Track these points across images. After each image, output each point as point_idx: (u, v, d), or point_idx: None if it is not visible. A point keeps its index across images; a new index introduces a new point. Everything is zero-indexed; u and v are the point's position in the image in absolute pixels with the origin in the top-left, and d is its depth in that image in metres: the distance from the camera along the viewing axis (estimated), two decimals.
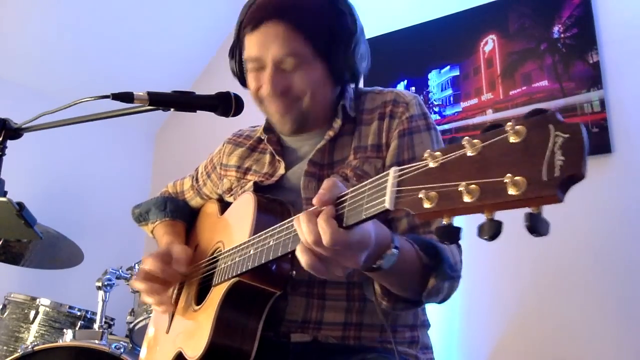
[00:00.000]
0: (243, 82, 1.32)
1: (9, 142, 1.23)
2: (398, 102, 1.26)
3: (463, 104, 2.70)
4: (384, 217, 1.18)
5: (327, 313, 1.19)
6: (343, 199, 0.84)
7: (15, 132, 1.23)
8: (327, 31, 1.20)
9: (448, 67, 2.78)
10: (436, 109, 2.78)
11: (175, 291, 1.37)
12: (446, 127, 2.71)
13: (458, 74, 2.75)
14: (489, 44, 2.69)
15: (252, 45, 1.20)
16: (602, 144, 2.30)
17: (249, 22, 1.20)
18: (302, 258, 0.87)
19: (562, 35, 2.50)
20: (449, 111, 2.74)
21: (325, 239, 0.82)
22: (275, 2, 1.19)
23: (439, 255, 1.02)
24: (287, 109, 1.24)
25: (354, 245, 0.84)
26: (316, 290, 1.19)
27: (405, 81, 2.89)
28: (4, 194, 1.20)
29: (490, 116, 2.60)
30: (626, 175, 2.25)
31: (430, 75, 2.83)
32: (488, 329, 2.44)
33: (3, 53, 3.03)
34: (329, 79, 1.24)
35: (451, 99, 2.74)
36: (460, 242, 1.13)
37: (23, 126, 1.24)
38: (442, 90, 2.78)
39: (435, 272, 1.01)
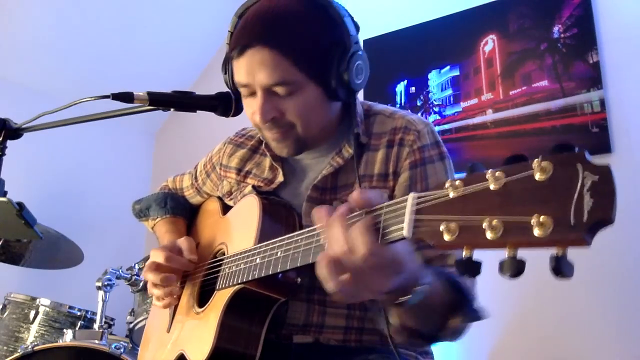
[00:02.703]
0: (238, 95, 1.25)
1: (9, 142, 1.23)
2: (409, 129, 1.20)
3: (463, 104, 2.70)
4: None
5: (329, 318, 1.19)
6: (357, 219, 0.78)
7: (15, 132, 1.23)
8: (317, 50, 1.12)
9: (448, 67, 2.78)
10: (436, 109, 2.78)
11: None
12: (446, 127, 2.71)
13: (458, 74, 2.75)
14: (489, 44, 2.69)
15: (240, 71, 1.13)
16: (602, 144, 2.30)
17: (234, 46, 1.13)
18: (330, 278, 0.76)
19: (562, 35, 2.50)
20: (449, 111, 2.74)
21: (363, 250, 0.74)
22: (259, 26, 1.11)
23: (462, 296, 0.96)
24: (283, 137, 1.18)
25: (388, 264, 0.77)
26: (316, 296, 1.18)
27: (405, 81, 2.89)
28: (4, 194, 1.21)
29: (490, 116, 2.61)
30: (626, 175, 2.25)
31: (430, 75, 2.83)
32: (488, 329, 2.44)
33: (3, 53, 3.03)
34: (323, 98, 1.16)
35: (451, 99, 2.74)
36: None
37: (23, 126, 1.24)
38: (442, 90, 2.78)
39: (461, 312, 0.95)
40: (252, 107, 1.16)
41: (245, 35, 1.12)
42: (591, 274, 2.25)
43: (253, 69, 1.10)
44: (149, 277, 1.27)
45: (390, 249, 0.76)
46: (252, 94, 1.15)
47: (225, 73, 1.24)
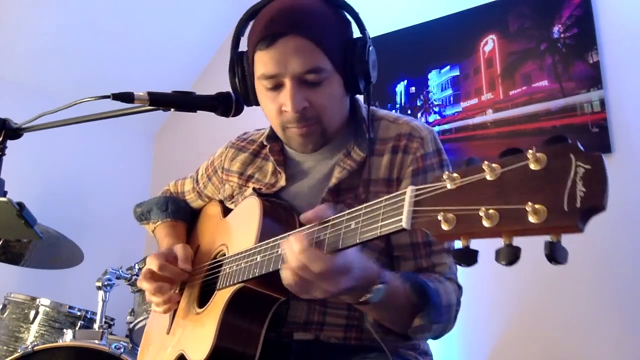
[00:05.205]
0: (247, 100, 1.24)
1: (9, 142, 1.23)
2: (413, 136, 1.22)
3: (463, 104, 2.70)
4: (388, 247, 1.20)
5: (329, 317, 1.20)
6: (357, 213, 0.84)
7: (15, 132, 1.23)
8: (342, 42, 1.18)
9: (448, 67, 2.78)
10: (436, 109, 2.78)
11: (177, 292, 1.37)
12: (446, 127, 2.71)
13: (458, 74, 2.75)
14: (489, 44, 2.69)
15: (268, 61, 1.13)
16: (602, 144, 2.30)
17: (263, 38, 1.13)
18: (286, 277, 0.90)
19: (562, 35, 2.50)
20: (449, 111, 2.73)
21: (315, 267, 0.85)
22: (291, 16, 1.13)
23: (425, 297, 1.02)
24: (309, 131, 1.20)
25: (336, 272, 0.87)
26: None
27: (405, 81, 2.89)
28: (4, 194, 1.20)
29: (490, 116, 2.60)
30: (626, 175, 2.25)
31: (430, 75, 2.83)
32: (488, 329, 2.44)
33: (3, 53, 3.03)
34: (343, 91, 1.21)
35: (451, 99, 2.74)
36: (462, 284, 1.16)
37: (23, 126, 1.24)
38: (442, 90, 2.78)
39: (421, 312, 1.02)
40: (277, 102, 1.17)
41: (276, 25, 1.13)
42: (591, 274, 2.25)
43: (285, 57, 1.12)
44: (144, 285, 1.28)
45: (335, 259, 0.86)
46: (278, 86, 1.16)
47: (234, 75, 1.24)
